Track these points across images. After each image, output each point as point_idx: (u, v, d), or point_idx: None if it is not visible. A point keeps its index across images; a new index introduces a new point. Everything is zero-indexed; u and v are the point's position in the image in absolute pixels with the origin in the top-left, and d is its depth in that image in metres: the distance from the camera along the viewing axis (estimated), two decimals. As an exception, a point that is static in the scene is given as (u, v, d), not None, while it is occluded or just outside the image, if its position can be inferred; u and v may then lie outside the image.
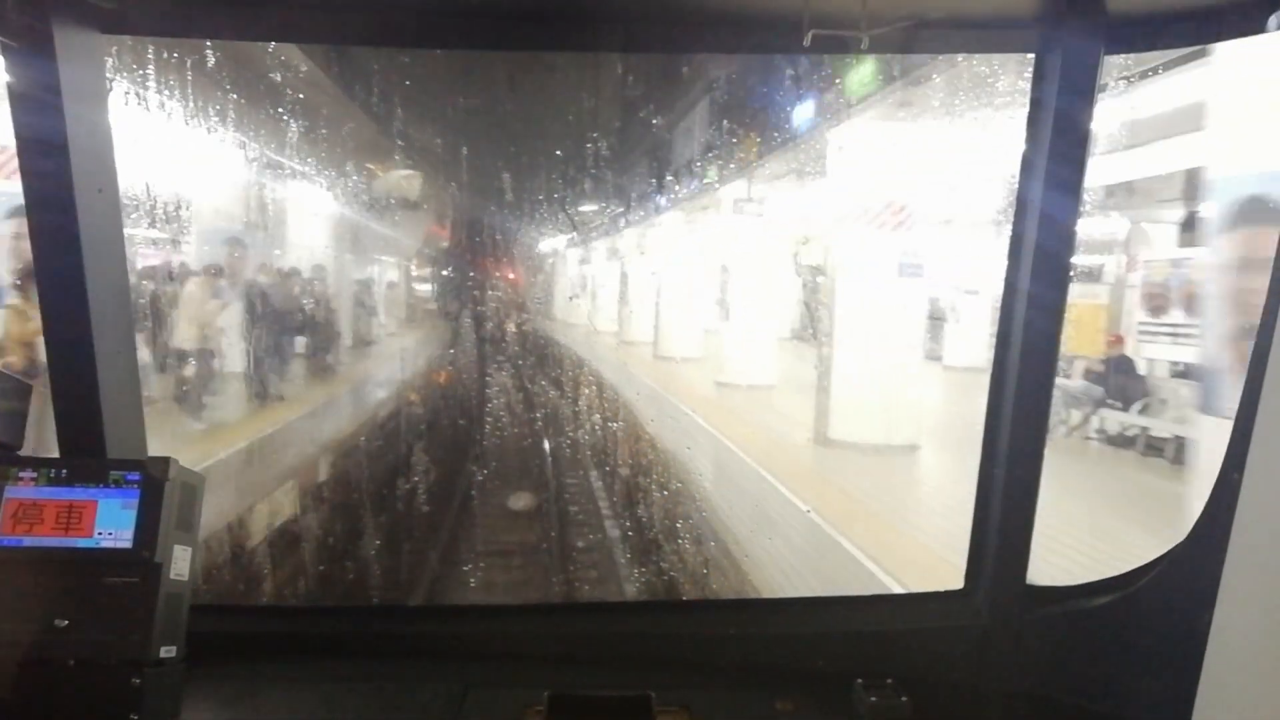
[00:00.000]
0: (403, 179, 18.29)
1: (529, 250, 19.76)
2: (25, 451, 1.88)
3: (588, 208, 22.56)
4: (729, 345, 16.80)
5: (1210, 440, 4.85)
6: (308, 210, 15.97)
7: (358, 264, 19.45)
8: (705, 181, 17.58)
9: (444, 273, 20.59)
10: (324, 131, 14.11)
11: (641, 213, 22.30)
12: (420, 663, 2.17)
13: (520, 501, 11.43)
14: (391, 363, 17.03)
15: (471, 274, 18.19)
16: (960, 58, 8.23)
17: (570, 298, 25.07)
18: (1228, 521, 1.54)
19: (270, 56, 10.98)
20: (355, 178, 16.87)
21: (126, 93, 8.52)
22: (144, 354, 9.66)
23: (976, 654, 2.17)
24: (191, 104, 9.99)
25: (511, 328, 17.22)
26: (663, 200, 20.41)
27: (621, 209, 22.85)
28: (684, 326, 19.31)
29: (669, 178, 19.53)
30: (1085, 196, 2.00)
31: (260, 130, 12.73)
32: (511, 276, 18.49)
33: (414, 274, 23.05)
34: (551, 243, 23.33)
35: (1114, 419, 11.57)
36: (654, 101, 16.99)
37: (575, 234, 23.37)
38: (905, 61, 8.98)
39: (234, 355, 11.46)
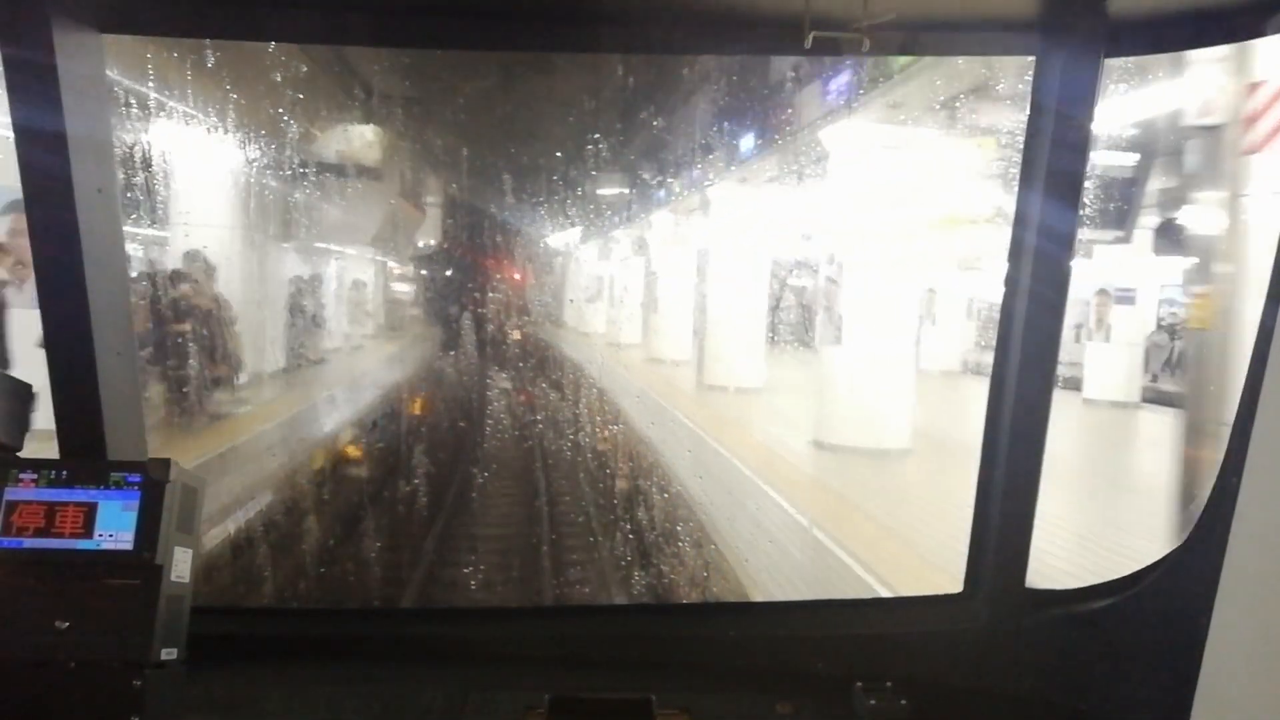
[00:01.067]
0: (366, 145, 14.16)
1: (530, 246, 16.58)
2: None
3: (607, 191, 17.70)
4: (836, 384, 11.02)
5: None
6: (213, 174, 11.31)
7: (300, 255, 15.27)
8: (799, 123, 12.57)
9: (427, 272, 17.21)
10: (252, 57, 10.08)
11: (682, 189, 17.59)
12: (421, 665, 2.17)
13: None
14: (323, 399, 12.28)
15: (462, 271, 15.79)
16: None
17: (570, 300, 21.18)
18: (1226, 525, 1.55)
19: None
20: (299, 138, 12.23)
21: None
22: None
23: (976, 657, 2.17)
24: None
25: (515, 335, 15.03)
26: (715, 168, 15.74)
27: (658, 182, 17.79)
28: (742, 346, 15.23)
29: (728, 133, 13.90)
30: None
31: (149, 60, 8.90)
32: (518, 277, 16.56)
33: (394, 271, 19.70)
34: (562, 237, 18.66)
35: None
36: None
37: (583, 229, 19.61)
38: None
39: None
